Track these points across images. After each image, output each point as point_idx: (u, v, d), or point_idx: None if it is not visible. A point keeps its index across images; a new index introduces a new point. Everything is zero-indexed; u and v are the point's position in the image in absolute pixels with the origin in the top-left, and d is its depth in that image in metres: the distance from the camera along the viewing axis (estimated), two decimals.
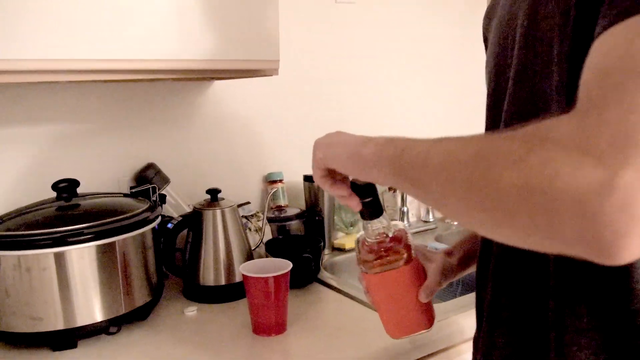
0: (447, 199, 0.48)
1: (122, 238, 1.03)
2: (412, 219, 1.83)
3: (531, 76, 0.61)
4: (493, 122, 0.73)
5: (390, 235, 0.74)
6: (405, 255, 0.74)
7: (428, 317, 0.79)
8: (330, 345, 1.00)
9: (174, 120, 1.43)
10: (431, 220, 1.86)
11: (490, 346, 0.69)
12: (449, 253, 0.88)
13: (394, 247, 0.74)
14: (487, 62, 0.75)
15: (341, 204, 0.73)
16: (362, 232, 0.76)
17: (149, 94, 1.38)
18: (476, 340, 0.80)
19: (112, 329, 1.05)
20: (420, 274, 0.78)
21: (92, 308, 1.01)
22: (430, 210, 1.86)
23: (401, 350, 0.99)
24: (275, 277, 1.02)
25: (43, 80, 0.96)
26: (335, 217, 1.58)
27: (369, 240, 0.74)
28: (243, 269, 1.05)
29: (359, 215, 0.73)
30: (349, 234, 1.64)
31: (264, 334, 1.05)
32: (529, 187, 0.40)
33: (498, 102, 0.70)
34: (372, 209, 0.71)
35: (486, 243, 0.72)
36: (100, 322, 1.02)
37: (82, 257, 0.98)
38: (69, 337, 1.00)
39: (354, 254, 1.53)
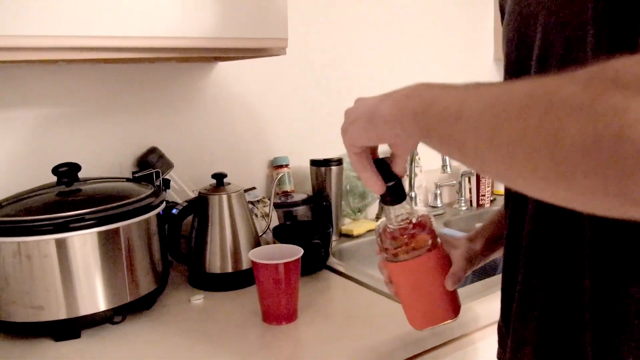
0: (489, 154, 0.42)
1: (126, 224, 0.99)
2: (420, 204, 1.79)
3: (562, 42, 0.57)
4: None
5: (414, 221, 0.69)
6: (429, 242, 0.70)
7: (454, 307, 0.74)
8: (344, 334, 0.97)
9: (176, 103, 1.38)
10: (439, 205, 1.82)
11: (521, 332, 0.66)
12: (471, 239, 0.84)
13: (418, 234, 0.69)
14: (506, 32, 0.71)
15: (367, 188, 0.68)
16: (382, 219, 0.72)
17: (150, 75, 1.34)
18: (502, 327, 0.76)
19: (117, 319, 1.01)
20: (446, 261, 0.74)
21: (95, 297, 0.97)
22: (438, 195, 1.82)
23: (416, 339, 0.96)
24: (285, 264, 0.98)
25: (40, 58, 0.91)
26: (342, 203, 1.54)
27: (391, 226, 0.69)
28: (252, 255, 1.01)
29: (379, 200, 0.69)
30: (355, 220, 1.61)
31: (274, 322, 1.01)
32: (596, 139, 0.33)
33: (520, 75, 0.66)
34: (395, 193, 0.66)
35: (515, 222, 0.68)
36: (104, 311, 0.98)
37: (85, 243, 0.94)
38: (72, 327, 0.97)
39: (361, 240, 1.52)
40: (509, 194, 0.71)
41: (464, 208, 1.83)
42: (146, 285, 1.05)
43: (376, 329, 0.98)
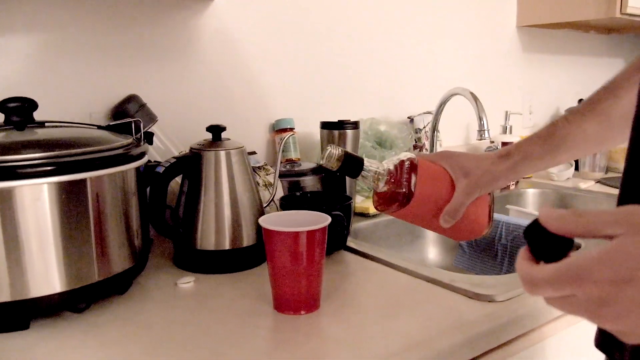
0: None
1: (95, 175, 0.73)
2: None
3: None
4: None
5: (384, 173, 0.74)
6: (404, 190, 0.72)
7: (475, 226, 0.76)
8: (383, 327, 0.73)
9: (163, 46, 1.13)
10: None
11: None
12: (503, 156, 0.77)
13: (392, 184, 0.73)
14: None
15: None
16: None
17: (132, 10, 1.09)
18: None
19: (80, 305, 0.76)
20: (437, 197, 0.74)
21: (50, 273, 0.71)
22: None
23: (482, 332, 0.73)
24: (309, 233, 0.74)
25: None
26: None
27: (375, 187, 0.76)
28: (264, 221, 0.77)
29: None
30: (370, 197, 1.37)
31: (291, 311, 0.77)
32: None
33: None
34: (349, 167, 0.73)
35: None
36: (62, 293, 0.72)
37: (38, 197, 0.69)
38: (18, 314, 0.71)
39: (379, 220, 1.28)
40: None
41: None
42: (120, 261, 0.80)
43: (425, 321, 0.74)
